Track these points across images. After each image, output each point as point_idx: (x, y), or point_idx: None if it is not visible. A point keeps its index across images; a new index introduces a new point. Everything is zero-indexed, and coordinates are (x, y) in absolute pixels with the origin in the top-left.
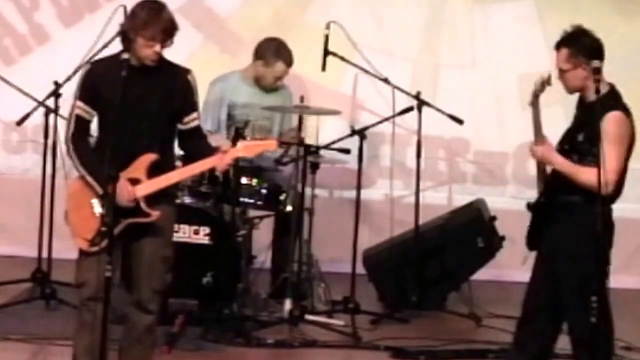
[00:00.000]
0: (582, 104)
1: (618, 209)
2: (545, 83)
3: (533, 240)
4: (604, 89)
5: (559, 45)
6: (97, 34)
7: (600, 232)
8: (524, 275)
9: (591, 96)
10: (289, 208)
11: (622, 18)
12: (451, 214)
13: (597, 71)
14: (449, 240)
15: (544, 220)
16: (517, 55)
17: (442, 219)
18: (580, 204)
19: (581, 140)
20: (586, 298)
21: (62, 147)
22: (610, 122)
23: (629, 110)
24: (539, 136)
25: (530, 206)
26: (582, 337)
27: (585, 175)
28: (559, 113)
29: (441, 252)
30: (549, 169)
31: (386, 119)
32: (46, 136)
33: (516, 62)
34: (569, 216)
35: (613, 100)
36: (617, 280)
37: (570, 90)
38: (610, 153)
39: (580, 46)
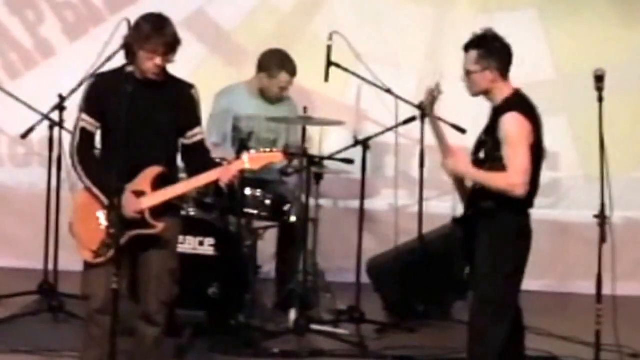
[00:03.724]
0: (492, 110)
1: (625, 216)
2: (433, 92)
3: (468, 254)
4: (507, 92)
5: (467, 47)
6: (102, 47)
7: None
8: (531, 283)
9: (497, 100)
10: (293, 218)
11: (624, 26)
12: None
13: (600, 79)
14: (454, 249)
15: (472, 233)
16: (521, 64)
17: (447, 228)
18: (494, 210)
19: (489, 146)
20: (491, 305)
21: (67, 160)
22: (506, 124)
23: (531, 110)
24: (445, 149)
25: (456, 220)
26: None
27: (494, 181)
28: (563, 121)
29: (446, 261)
30: (469, 182)
31: (389, 129)
32: (51, 149)
33: (520, 70)
34: (485, 223)
35: (514, 102)
36: (624, 287)
37: (475, 93)
38: (511, 155)
39: (491, 49)
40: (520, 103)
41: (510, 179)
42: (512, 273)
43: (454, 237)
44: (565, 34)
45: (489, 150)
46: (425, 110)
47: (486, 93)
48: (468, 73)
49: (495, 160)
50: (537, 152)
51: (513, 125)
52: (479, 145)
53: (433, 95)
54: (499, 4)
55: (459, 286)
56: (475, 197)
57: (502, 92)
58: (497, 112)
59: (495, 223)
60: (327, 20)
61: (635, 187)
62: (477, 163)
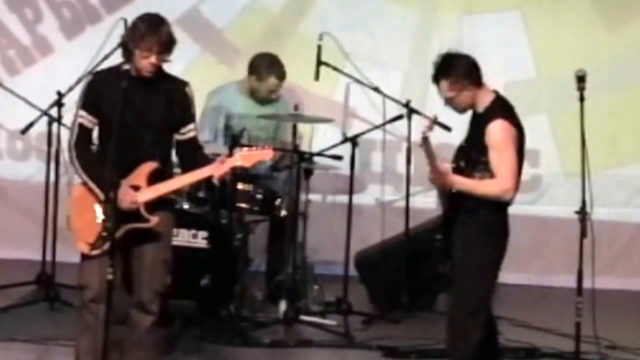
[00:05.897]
0: (473, 116)
1: (603, 213)
2: (432, 126)
3: (448, 250)
4: (488, 99)
5: (436, 79)
6: (98, 45)
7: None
8: (514, 277)
9: (480, 107)
10: (283, 213)
11: (606, 27)
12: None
13: (581, 79)
14: (438, 242)
15: (452, 230)
16: (504, 64)
17: (432, 222)
18: (475, 208)
19: (471, 153)
20: (469, 299)
21: (65, 155)
22: (491, 133)
23: (513, 114)
24: (434, 166)
25: (441, 224)
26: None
27: (482, 188)
28: (543, 119)
29: (431, 255)
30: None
31: (377, 127)
32: (49, 144)
33: (503, 70)
34: (465, 219)
35: (497, 108)
36: (602, 281)
37: (462, 112)
38: (500, 161)
39: (457, 71)
40: (503, 109)
41: (502, 184)
42: (489, 269)
43: (438, 231)
44: (547, 35)
45: (472, 156)
46: (424, 139)
47: (472, 107)
48: (448, 100)
49: (479, 165)
50: (520, 156)
51: (500, 132)
52: (460, 152)
53: (431, 126)
54: (482, 5)
55: (442, 279)
56: (456, 197)
57: (484, 99)
58: (480, 120)
59: (475, 220)
60: (317, 20)
61: (612, 184)
62: (458, 171)
